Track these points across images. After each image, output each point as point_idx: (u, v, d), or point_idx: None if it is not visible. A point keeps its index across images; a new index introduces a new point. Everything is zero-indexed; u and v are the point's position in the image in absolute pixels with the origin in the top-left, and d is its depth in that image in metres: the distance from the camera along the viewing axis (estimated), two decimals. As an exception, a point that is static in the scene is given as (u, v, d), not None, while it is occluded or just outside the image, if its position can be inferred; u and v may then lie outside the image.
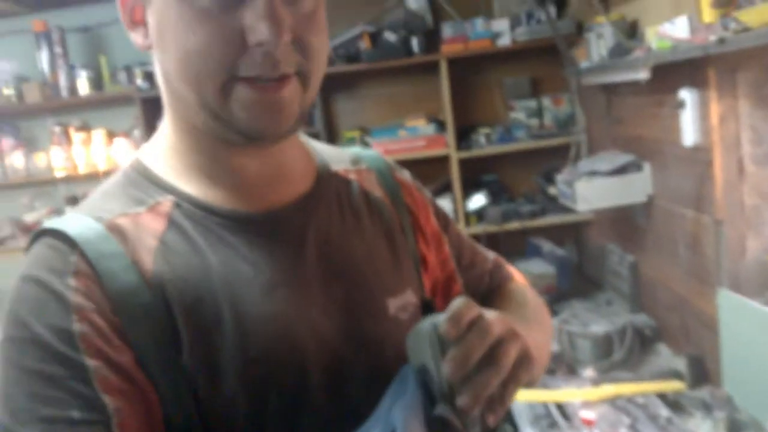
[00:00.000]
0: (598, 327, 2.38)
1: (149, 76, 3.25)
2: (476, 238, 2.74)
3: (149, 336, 0.63)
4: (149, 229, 0.67)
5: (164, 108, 0.73)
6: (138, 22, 0.68)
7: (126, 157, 3.48)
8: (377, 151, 0.92)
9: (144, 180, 0.71)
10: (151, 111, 3.34)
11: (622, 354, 2.30)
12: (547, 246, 3.24)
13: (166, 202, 0.69)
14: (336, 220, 0.78)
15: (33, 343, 0.60)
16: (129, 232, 0.66)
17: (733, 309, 1.81)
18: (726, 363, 1.87)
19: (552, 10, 3.11)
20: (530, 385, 0.71)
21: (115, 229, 0.66)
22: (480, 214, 3.33)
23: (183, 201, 0.70)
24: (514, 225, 3.25)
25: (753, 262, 1.85)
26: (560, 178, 2.73)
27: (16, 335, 0.61)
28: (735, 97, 1.79)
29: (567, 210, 2.88)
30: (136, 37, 0.69)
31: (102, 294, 0.62)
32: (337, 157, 0.85)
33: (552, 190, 3.18)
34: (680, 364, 2.11)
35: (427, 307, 0.84)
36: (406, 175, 0.92)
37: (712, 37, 1.53)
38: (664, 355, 2.34)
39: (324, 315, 0.71)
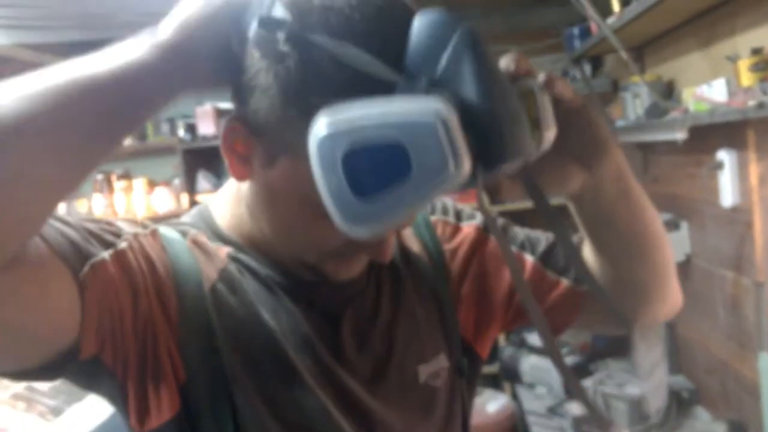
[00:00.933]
0: (635, 388, 2.33)
1: (191, 128, 3.36)
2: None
3: (194, 324, 0.66)
4: (214, 263, 0.71)
5: (241, 197, 0.74)
6: (238, 153, 0.65)
7: (166, 203, 3.57)
8: None
9: (208, 229, 0.75)
10: (191, 161, 3.44)
11: (659, 417, 2.25)
12: (581, 302, 3.21)
13: (226, 248, 0.73)
14: (372, 287, 0.79)
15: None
16: (203, 252, 0.71)
17: None
18: (769, 431, 1.82)
19: (587, 68, 3.14)
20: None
21: (193, 244, 0.71)
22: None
23: (239, 253, 0.73)
24: (548, 280, 3.22)
25: (796, 328, 1.81)
26: (595, 235, 2.72)
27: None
28: (775, 158, 1.79)
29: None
30: (233, 167, 0.66)
31: (165, 263, 0.67)
32: None
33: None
34: (720, 429, 2.06)
35: (461, 371, 0.84)
36: (438, 210, 0.88)
37: (751, 102, 1.54)
38: (703, 420, 2.28)
39: (351, 381, 0.73)
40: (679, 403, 2.34)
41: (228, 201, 0.76)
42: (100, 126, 0.52)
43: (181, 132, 3.37)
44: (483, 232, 0.86)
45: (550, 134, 0.61)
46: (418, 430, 0.77)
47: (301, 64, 0.56)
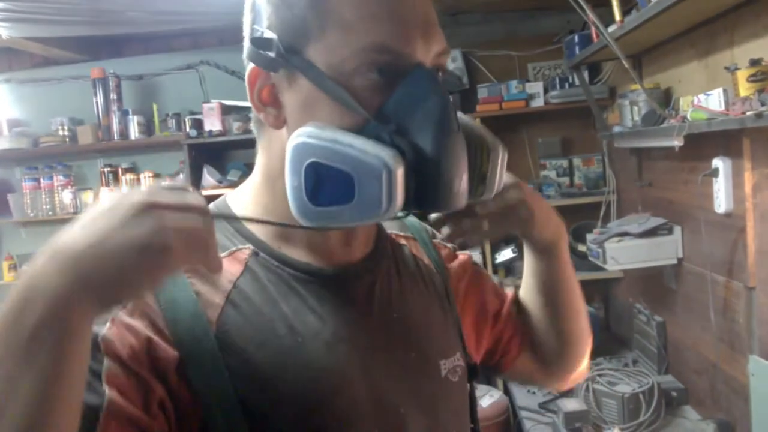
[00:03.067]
0: (626, 387, 2.39)
1: (197, 124, 3.40)
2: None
3: (209, 374, 0.64)
4: (226, 272, 0.70)
5: (266, 171, 0.76)
6: (266, 103, 0.71)
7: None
8: (416, 218, 0.97)
9: (228, 229, 0.74)
10: (197, 156, 3.48)
11: (650, 415, 2.31)
12: (574, 303, 3.27)
13: (245, 249, 0.73)
14: (395, 280, 0.82)
15: None
16: (202, 279, 0.69)
17: (765, 377, 1.80)
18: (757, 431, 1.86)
19: (585, 75, 3.21)
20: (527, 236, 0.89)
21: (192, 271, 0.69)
22: (508, 268, 3.39)
23: (260, 250, 0.73)
24: (542, 280, 3.29)
25: (785, 331, 1.87)
26: (590, 238, 2.78)
27: None
28: (769, 167, 1.85)
29: (595, 267, 2.92)
30: (267, 117, 0.71)
31: (165, 328, 0.65)
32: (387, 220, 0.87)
33: (581, 247, 3.23)
34: (708, 429, 2.11)
35: (473, 371, 0.88)
36: (438, 236, 0.96)
37: (750, 112, 1.59)
38: (692, 419, 2.34)
39: (384, 373, 0.74)
40: (668, 403, 2.41)
41: (250, 193, 0.77)
42: None
43: (188, 127, 3.41)
44: (473, 263, 1.00)
45: (489, 195, 0.75)
46: (439, 423, 0.79)
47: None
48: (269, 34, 0.67)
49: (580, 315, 0.98)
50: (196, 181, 3.45)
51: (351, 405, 0.70)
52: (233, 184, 3.32)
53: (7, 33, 3.02)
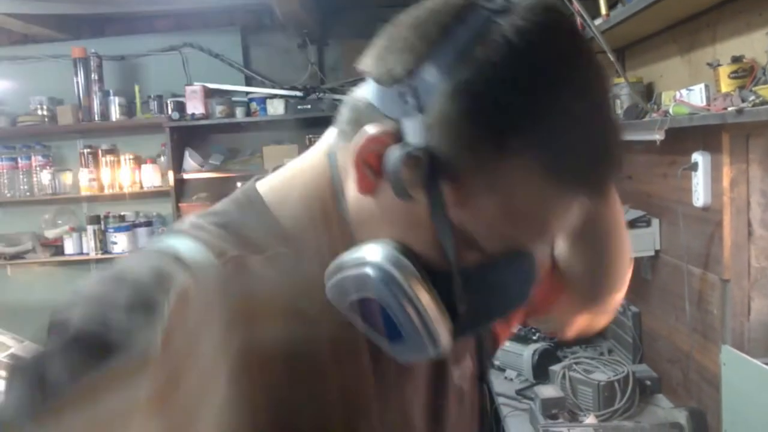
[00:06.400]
0: (601, 375, 2.43)
1: (180, 107, 3.37)
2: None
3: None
4: (264, 278, 0.63)
5: (320, 197, 0.67)
6: (369, 164, 0.59)
7: (153, 179, 3.57)
8: None
9: (267, 231, 0.66)
10: (178, 139, 3.45)
11: (624, 403, 2.35)
12: (553, 292, 3.30)
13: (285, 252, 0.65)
14: None
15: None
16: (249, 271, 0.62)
17: (736, 367, 1.83)
18: (727, 420, 1.89)
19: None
20: None
21: (232, 265, 0.61)
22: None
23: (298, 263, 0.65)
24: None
25: (758, 323, 1.91)
26: (571, 228, 2.81)
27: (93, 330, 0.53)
28: (747, 162, 1.88)
29: (574, 258, 2.94)
30: (362, 178, 0.60)
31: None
32: None
33: (560, 238, 3.25)
34: (681, 416, 2.15)
35: (483, 374, 0.84)
36: None
37: (731, 108, 1.61)
38: (665, 407, 2.38)
39: (400, 382, 0.73)
40: (642, 391, 2.45)
41: (299, 200, 0.68)
42: None
43: (170, 110, 3.38)
44: None
45: None
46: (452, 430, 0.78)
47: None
48: (438, 149, 0.55)
49: None
50: (178, 165, 3.43)
51: (363, 414, 0.68)
52: (215, 168, 3.31)
53: (-15, 9, 2.96)
